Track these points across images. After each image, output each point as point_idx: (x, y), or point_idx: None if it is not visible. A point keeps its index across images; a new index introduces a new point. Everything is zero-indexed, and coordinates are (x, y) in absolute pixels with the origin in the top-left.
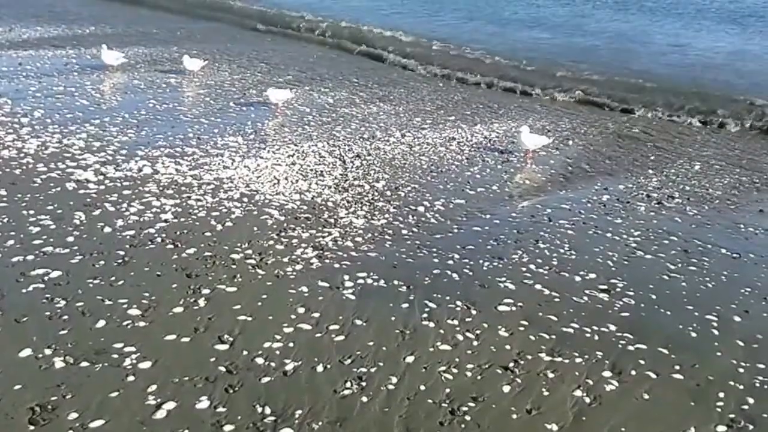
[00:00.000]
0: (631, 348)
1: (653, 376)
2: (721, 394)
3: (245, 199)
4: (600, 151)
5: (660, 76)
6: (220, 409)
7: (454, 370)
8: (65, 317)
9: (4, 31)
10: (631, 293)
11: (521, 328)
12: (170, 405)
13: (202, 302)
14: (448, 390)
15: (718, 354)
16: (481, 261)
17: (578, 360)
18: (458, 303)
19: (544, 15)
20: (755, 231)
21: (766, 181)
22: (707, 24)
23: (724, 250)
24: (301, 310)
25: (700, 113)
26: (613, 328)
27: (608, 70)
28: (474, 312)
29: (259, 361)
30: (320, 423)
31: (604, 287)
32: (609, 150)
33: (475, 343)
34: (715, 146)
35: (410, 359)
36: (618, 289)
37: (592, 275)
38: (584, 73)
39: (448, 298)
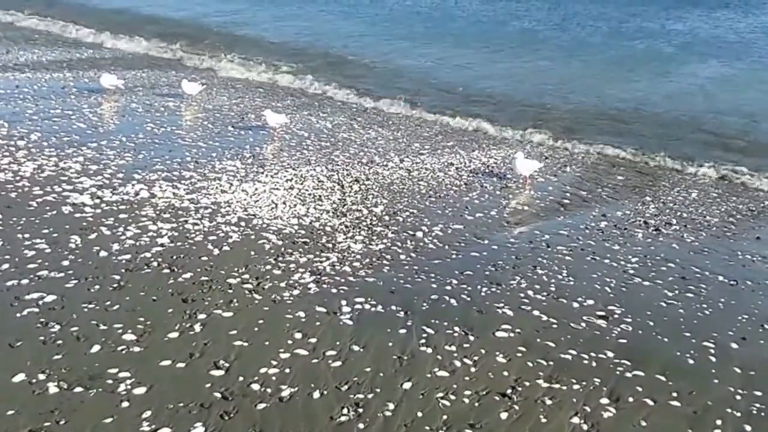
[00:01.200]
0: (628, 375)
1: (651, 402)
2: (719, 422)
3: (243, 224)
4: (597, 178)
5: (653, 106)
6: None
7: (452, 397)
8: (59, 342)
9: (2, 54)
10: (629, 320)
11: (519, 354)
12: (165, 431)
13: (197, 327)
14: (445, 416)
15: (716, 381)
16: (479, 287)
17: (576, 386)
18: (456, 329)
19: (540, 40)
20: (752, 258)
21: (763, 209)
22: (698, 52)
23: (721, 277)
24: (298, 336)
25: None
26: (610, 354)
27: (603, 100)
28: (472, 338)
29: (255, 387)
30: None
31: (602, 314)
32: (606, 177)
33: (472, 369)
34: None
35: (407, 385)
36: (616, 316)
37: (590, 301)
38: (578, 103)
39: (446, 323)
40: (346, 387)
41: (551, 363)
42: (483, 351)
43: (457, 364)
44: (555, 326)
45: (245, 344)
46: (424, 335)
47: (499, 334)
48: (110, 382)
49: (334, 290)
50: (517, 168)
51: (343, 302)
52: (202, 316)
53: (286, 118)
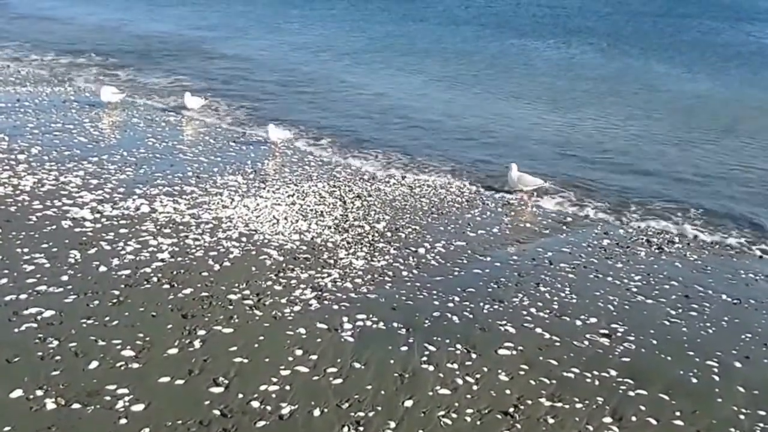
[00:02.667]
0: (631, 393)
1: (654, 422)
2: None
3: (244, 239)
4: (599, 196)
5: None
6: None
7: (454, 415)
8: (58, 358)
9: (3, 67)
10: (632, 338)
11: (522, 373)
12: None
13: (197, 344)
14: None
15: (719, 400)
16: (481, 304)
17: (579, 405)
18: (458, 346)
19: (536, 56)
20: (755, 277)
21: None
22: (697, 65)
23: (724, 296)
24: (299, 353)
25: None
26: (613, 373)
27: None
28: (474, 356)
29: (255, 404)
30: None
31: (605, 332)
32: (609, 195)
33: (474, 387)
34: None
35: (409, 403)
36: (619, 334)
37: (593, 319)
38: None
39: (447, 341)
40: (346, 405)
41: (554, 381)
42: (485, 369)
43: (459, 382)
44: (558, 344)
45: (245, 361)
46: (426, 353)
47: (501, 351)
48: (108, 398)
49: (335, 306)
50: (515, 182)
51: (345, 319)
52: (201, 332)
53: (290, 134)
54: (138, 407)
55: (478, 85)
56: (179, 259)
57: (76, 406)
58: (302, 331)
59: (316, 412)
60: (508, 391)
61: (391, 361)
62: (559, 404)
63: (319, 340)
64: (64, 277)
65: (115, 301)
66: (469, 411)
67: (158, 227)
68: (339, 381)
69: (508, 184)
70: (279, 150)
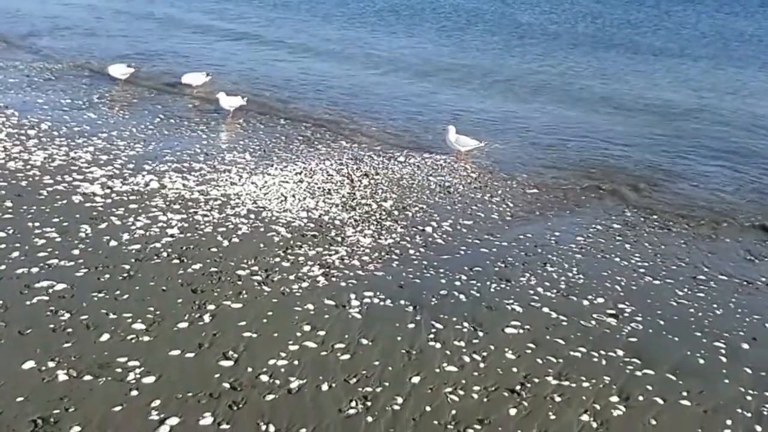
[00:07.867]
0: (638, 373)
1: (661, 401)
2: (729, 422)
3: (252, 216)
4: (606, 178)
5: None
6: (224, 426)
7: (461, 392)
8: (69, 330)
9: (15, 39)
10: (639, 318)
11: (528, 351)
12: (173, 420)
13: (207, 318)
14: (454, 412)
15: (726, 381)
16: (488, 283)
17: (585, 384)
18: (465, 324)
19: (531, 51)
20: (765, 257)
21: None
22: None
23: (732, 277)
24: (307, 328)
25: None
26: (620, 353)
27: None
28: (481, 334)
29: (264, 378)
30: None
31: (612, 312)
32: (616, 176)
33: (481, 365)
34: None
35: (416, 380)
36: (626, 314)
37: (600, 299)
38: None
39: (454, 319)
40: (354, 380)
41: (561, 360)
42: (492, 347)
43: (466, 359)
44: (565, 323)
45: (254, 335)
46: (433, 330)
47: (508, 330)
48: (119, 370)
49: (342, 283)
50: (453, 144)
51: (352, 296)
52: (211, 307)
53: (242, 101)
54: (149, 379)
55: None
56: (188, 234)
57: (87, 377)
58: (310, 307)
59: (324, 387)
60: (514, 369)
61: (399, 338)
62: (566, 383)
63: (326, 316)
64: (75, 251)
65: (125, 275)
66: (476, 388)
67: (168, 203)
68: (347, 357)
69: (447, 146)
70: (233, 118)
